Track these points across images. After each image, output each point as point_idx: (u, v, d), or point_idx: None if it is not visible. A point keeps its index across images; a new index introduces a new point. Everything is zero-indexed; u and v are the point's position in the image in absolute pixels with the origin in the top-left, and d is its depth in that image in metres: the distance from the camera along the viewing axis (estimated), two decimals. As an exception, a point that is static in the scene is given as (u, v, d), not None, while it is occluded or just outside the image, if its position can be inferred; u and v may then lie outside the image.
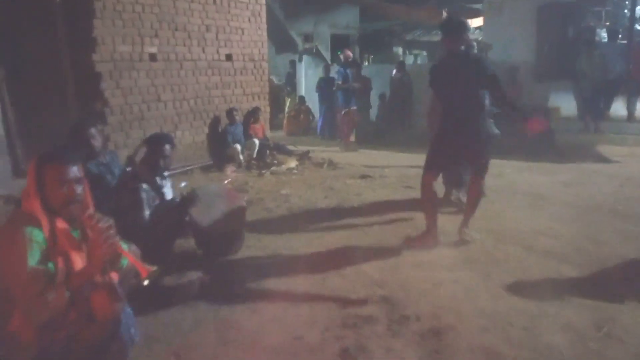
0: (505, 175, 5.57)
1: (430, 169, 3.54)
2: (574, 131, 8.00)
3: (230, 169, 6.33)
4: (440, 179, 3.91)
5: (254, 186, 5.53)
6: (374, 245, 3.61)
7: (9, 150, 4.84)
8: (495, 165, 3.49)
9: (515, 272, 3.04)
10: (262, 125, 7.41)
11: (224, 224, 3.30)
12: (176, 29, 6.21)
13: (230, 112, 6.66)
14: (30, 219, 1.79)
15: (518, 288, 2.81)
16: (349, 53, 8.45)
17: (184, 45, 6.34)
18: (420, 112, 8.14)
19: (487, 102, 4.45)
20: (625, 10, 12.64)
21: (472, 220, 3.60)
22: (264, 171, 6.28)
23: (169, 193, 3.32)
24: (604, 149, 6.98)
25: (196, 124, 6.66)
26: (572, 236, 3.65)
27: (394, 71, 9.79)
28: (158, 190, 3.21)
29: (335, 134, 9.37)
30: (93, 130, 3.36)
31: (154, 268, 1.87)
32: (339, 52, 12.88)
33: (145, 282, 1.86)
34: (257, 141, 6.88)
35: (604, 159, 6.51)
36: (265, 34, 7.71)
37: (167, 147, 3.19)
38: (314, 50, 12.78)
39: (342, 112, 8.14)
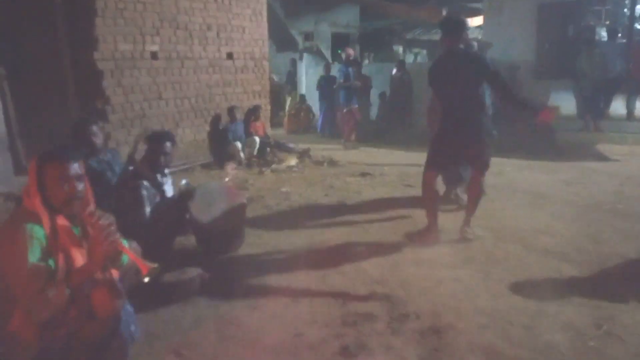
0: (505, 173, 5.57)
1: (431, 167, 3.54)
2: (573, 130, 7.99)
3: (230, 167, 6.33)
4: (440, 177, 3.91)
5: (255, 184, 5.54)
6: (374, 243, 3.61)
7: (10, 147, 4.84)
8: (495, 164, 3.50)
9: (515, 271, 3.04)
10: (263, 123, 7.41)
11: (224, 222, 3.31)
12: (177, 28, 6.22)
13: (231, 110, 6.67)
14: (31, 216, 1.79)
15: (518, 287, 2.82)
16: (351, 51, 8.42)
17: (185, 43, 6.35)
18: (420, 111, 8.14)
19: (487, 101, 4.46)
20: (625, 9, 12.62)
21: (472, 219, 3.61)
22: (264, 169, 6.28)
23: (169, 190, 3.33)
24: (604, 148, 6.99)
25: (197, 122, 6.67)
26: (572, 235, 3.65)
27: (394, 70, 9.78)
28: (159, 187, 3.21)
29: (335, 132, 9.37)
30: (94, 128, 3.37)
31: (155, 265, 1.87)
32: (339, 51, 12.87)
33: (146, 279, 1.87)
34: (257, 139, 6.88)
35: (603, 158, 6.52)
36: (266, 32, 7.71)
37: (168, 144, 3.20)
38: (315, 49, 12.77)
39: (344, 111, 8.12)
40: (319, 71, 10.52)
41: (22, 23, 5.42)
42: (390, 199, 4.78)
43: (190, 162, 6.36)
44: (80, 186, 1.87)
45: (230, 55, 7.06)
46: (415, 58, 17.41)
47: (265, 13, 7.64)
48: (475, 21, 12.83)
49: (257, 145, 6.84)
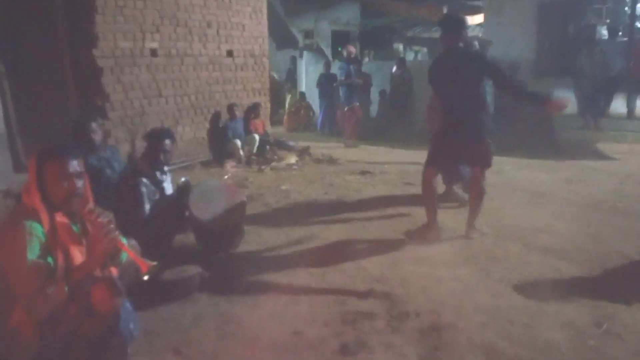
0: (504, 172, 5.57)
1: (430, 164, 3.54)
2: (573, 128, 7.99)
3: (230, 165, 6.33)
4: (440, 176, 3.90)
5: (254, 182, 5.53)
6: (374, 241, 3.61)
7: (10, 145, 4.83)
8: (495, 162, 3.49)
9: (515, 270, 3.04)
10: (263, 121, 7.40)
11: (224, 219, 3.30)
12: (177, 25, 6.20)
13: (230, 108, 6.66)
14: (30, 213, 1.79)
15: (518, 285, 2.81)
16: (352, 49, 8.36)
17: (185, 40, 6.33)
18: (420, 109, 8.14)
19: (488, 99, 4.44)
20: (626, 8, 12.60)
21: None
22: (264, 167, 6.27)
23: (169, 188, 3.33)
24: (604, 147, 6.98)
25: (197, 120, 6.66)
26: (572, 234, 3.65)
27: (394, 68, 9.76)
28: (158, 185, 3.21)
29: (335, 130, 9.37)
30: (93, 125, 3.37)
31: (154, 263, 1.87)
32: (339, 48, 12.85)
33: (145, 277, 1.87)
34: (257, 137, 6.88)
35: (604, 157, 6.51)
36: (266, 30, 7.70)
37: (168, 141, 3.19)
38: (315, 47, 12.75)
39: (346, 109, 8.09)
40: (319, 69, 10.51)
41: (22, 20, 5.41)
42: (390, 197, 4.77)
43: (190, 160, 6.35)
44: (79, 183, 1.87)
45: (230, 53, 7.04)
46: (416, 56, 17.38)
47: (265, 10, 7.62)
48: (476, 19, 12.80)
49: (257, 143, 6.83)
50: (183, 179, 3.37)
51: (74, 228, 1.90)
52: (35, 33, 5.46)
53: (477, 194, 3.53)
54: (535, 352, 2.17)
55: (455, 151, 3.46)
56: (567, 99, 3.55)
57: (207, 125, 6.74)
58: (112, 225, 1.85)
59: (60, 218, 1.85)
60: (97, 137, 3.39)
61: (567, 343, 2.23)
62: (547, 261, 3.16)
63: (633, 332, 2.31)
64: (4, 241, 1.77)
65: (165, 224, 3.11)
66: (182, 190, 3.22)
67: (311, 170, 6.16)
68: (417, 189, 3.98)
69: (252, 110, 7.11)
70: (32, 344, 1.79)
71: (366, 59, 13.75)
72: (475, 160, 3.48)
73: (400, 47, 16.63)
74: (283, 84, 11.86)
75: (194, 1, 6.40)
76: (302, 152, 7.01)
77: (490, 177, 3.56)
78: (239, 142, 6.58)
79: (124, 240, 1.94)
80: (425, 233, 3.54)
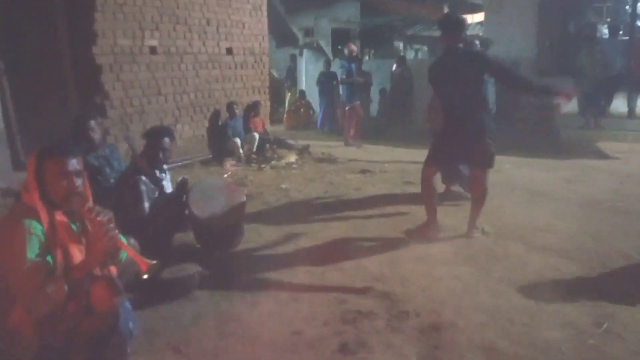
0: (504, 170, 5.56)
1: (430, 163, 3.54)
2: (574, 127, 7.99)
3: (230, 163, 6.33)
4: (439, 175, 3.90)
5: (254, 180, 5.52)
6: (374, 239, 3.61)
7: (9, 143, 4.82)
8: (495, 161, 3.49)
9: (515, 269, 3.03)
10: (262, 119, 7.39)
11: (223, 218, 3.29)
12: (177, 22, 6.19)
13: (230, 106, 6.64)
14: (30, 212, 1.78)
15: (518, 284, 2.81)
16: (354, 47, 8.32)
17: (185, 38, 6.32)
18: (420, 108, 8.12)
19: (490, 98, 4.43)
20: (627, 6, 12.59)
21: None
22: (263, 165, 6.27)
23: (168, 186, 3.32)
24: (604, 146, 6.97)
25: (196, 118, 6.65)
26: (572, 233, 3.64)
27: (394, 66, 9.74)
28: (157, 183, 3.20)
29: (335, 128, 9.36)
30: (92, 123, 3.36)
31: (154, 262, 1.86)
32: (339, 47, 12.82)
33: (145, 276, 1.86)
34: (257, 135, 6.87)
35: (604, 156, 6.51)
36: (266, 27, 7.68)
37: (167, 140, 3.19)
38: (315, 45, 12.72)
39: (347, 108, 8.06)
40: (319, 67, 10.49)
41: (22, 18, 5.39)
42: (390, 196, 4.77)
43: (190, 158, 6.34)
44: (79, 182, 1.86)
45: (229, 51, 7.03)
46: (416, 54, 17.36)
47: (265, 8, 7.60)
48: (476, 17, 12.78)
49: (257, 142, 6.82)
50: (182, 178, 3.37)
51: (73, 227, 1.90)
52: (35, 31, 5.45)
53: (479, 194, 3.52)
54: (535, 352, 2.17)
55: (455, 151, 3.45)
56: (577, 88, 3.55)
57: (206, 123, 6.73)
58: (111, 224, 1.85)
59: (59, 217, 1.85)
60: (96, 135, 3.38)
61: (567, 342, 2.23)
62: (547, 260, 3.15)
63: (633, 331, 2.31)
64: (4, 240, 1.76)
65: (165, 222, 3.11)
66: (181, 187, 3.22)
67: (311, 169, 6.16)
68: (417, 188, 3.97)
69: (252, 109, 7.10)
70: (32, 343, 1.78)
71: (366, 58, 13.74)
72: (477, 162, 3.47)
73: (401, 45, 16.61)
74: (283, 82, 11.85)
75: (193, -1, 6.40)
76: (302, 151, 7.00)
77: (490, 176, 3.56)
78: (238, 141, 6.56)
79: (123, 239, 1.93)
80: (424, 231, 3.54)
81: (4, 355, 1.83)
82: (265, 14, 7.62)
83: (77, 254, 1.85)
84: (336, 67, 9.86)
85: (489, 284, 2.83)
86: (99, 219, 1.83)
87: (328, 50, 12.97)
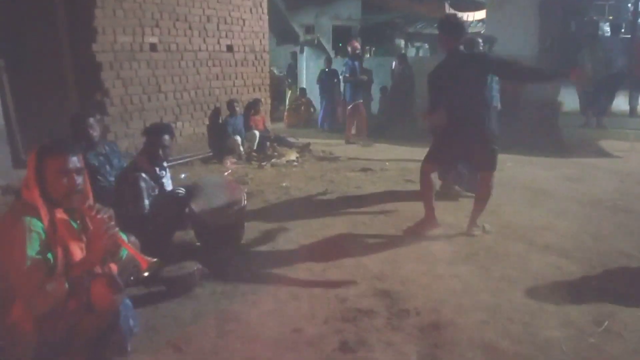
0: (506, 169, 5.55)
1: (430, 161, 3.53)
2: (575, 126, 7.97)
3: (230, 161, 6.32)
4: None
5: (254, 178, 5.52)
6: (374, 238, 3.61)
7: (9, 140, 4.82)
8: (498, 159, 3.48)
9: (516, 267, 3.03)
10: (263, 117, 7.38)
11: (223, 216, 3.29)
12: (177, 20, 6.17)
13: (230, 104, 6.63)
14: (30, 209, 1.78)
15: (518, 283, 2.81)
16: (357, 44, 8.23)
17: (185, 35, 6.30)
18: (421, 106, 8.09)
19: (495, 99, 4.42)
20: (629, 4, 12.55)
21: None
22: (264, 163, 6.26)
23: (168, 184, 3.32)
24: (606, 144, 6.97)
25: (197, 115, 6.64)
26: (572, 232, 3.64)
27: (394, 63, 9.71)
28: (157, 180, 3.20)
29: (335, 126, 9.34)
30: (91, 120, 3.35)
31: (154, 259, 1.86)
32: (340, 44, 12.79)
33: (146, 274, 1.86)
34: (257, 133, 6.86)
35: (605, 154, 6.50)
36: (266, 25, 7.66)
37: (167, 137, 3.18)
38: (315, 42, 12.69)
39: (349, 107, 8.03)
40: (320, 65, 10.46)
41: (22, 16, 5.38)
42: (390, 194, 4.77)
43: (190, 156, 6.34)
44: (79, 180, 1.86)
45: (230, 48, 7.01)
46: (417, 52, 17.31)
47: (265, 5, 7.58)
48: (478, 15, 12.74)
49: (257, 140, 6.82)
50: (183, 176, 3.36)
51: (74, 224, 1.90)
52: (35, 29, 5.44)
53: (484, 195, 3.52)
54: (535, 350, 2.16)
55: (456, 152, 3.45)
56: (587, 66, 3.61)
57: (206, 121, 6.72)
58: (112, 222, 1.85)
59: (59, 214, 1.85)
60: (95, 132, 3.38)
61: (568, 341, 2.23)
62: (547, 259, 3.15)
63: (633, 330, 2.31)
64: (4, 237, 1.76)
65: (165, 220, 3.10)
66: (190, 195, 3.21)
67: (311, 167, 6.15)
68: (417, 186, 3.96)
69: (252, 106, 7.08)
70: (32, 340, 1.78)
71: (367, 55, 13.70)
72: (480, 165, 3.47)
73: (402, 43, 16.56)
74: (283, 80, 11.82)
75: (193, -4, 6.37)
76: (303, 149, 6.99)
77: (494, 175, 3.55)
78: (239, 139, 6.55)
79: (124, 237, 1.94)
80: (423, 227, 3.55)
81: (4, 353, 1.83)
82: (265, 11, 7.60)
83: (78, 252, 1.85)
84: (337, 64, 9.82)
85: (490, 283, 2.83)
86: (99, 216, 1.83)
87: (329, 47, 12.94)
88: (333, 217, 4.09)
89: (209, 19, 6.62)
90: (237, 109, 6.66)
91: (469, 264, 3.09)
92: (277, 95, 10.30)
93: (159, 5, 5.90)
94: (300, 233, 3.70)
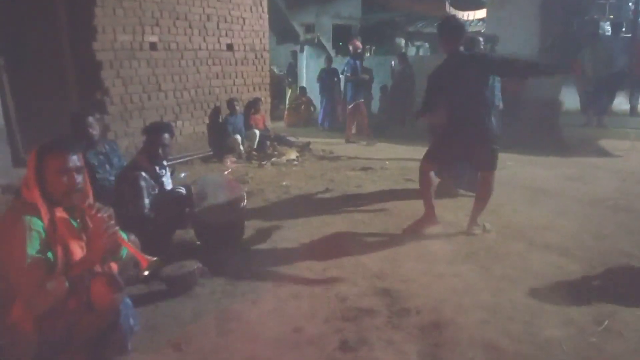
0: (507, 168, 5.54)
1: (429, 159, 3.54)
2: (576, 125, 7.96)
3: (230, 160, 6.32)
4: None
5: (254, 177, 5.52)
6: (375, 236, 3.61)
7: (9, 139, 4.81)
8: (498, 160, 3.48)
9: (516, 267, 3.03)
10: (263, 116, 7.37)
11: (223, 215, 3.29)
12: (177, 18, 6.16)
13: (230, 103, 6.63)
14: (30, 208, 1.78)
15: (518, 282, 2.81)
16: (359, 43, 8.19)
17: (185, 34, 6.29)
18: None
19: (497, 99, 4.42)
20: (630, 3, 12.53)
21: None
22: (264, 162, 6.26)
23: (168, 183, 3.32)
24: (607, 144, 6.96)
25: (197, 114, 6.62)
26: (573, 231, 3.64)
27: (393, 62, 9.69)
28: (157, 179, 3.20)
29: (335, 125, 9.34)
30: (91, 119, 3.35)
31: (154, 258, 1.86)
32: (340, 43, 12.77)
33: (146, 273, 1.86)
34: (257, 132, 6.86)
35: (606, 154, 6.49)
36: (266, 23, 7.64)
37: (166, 136, 3.18)
38: (316, 41, 12.68)
39: (351, 106, 8.02)
40: (320, 63, 10.45)
41: (22, 14, 5.37)
42: (391, 194, 4.77)
43: (190, 155, 6.34)
44: (79, 178, 1.86)
45: (230, 47, 7.00)
46: (418, 51, 17.29)
47: (265, 4, 7.56)
48: (478, 14, 12.72)
49: (257, 139, 6.81)
50: (183, 175, 3.36)
51: (74, 223, 1.90)
52: (36, 27, 5.43)
53: (484, 194, 3.52)
54: (536, 349, 2.16)
55: (456, 152, 3.45)
56: (579, 60, 3.68)
57: (206, 120, 6.71)
58: (112, 221, 1.84)
59: (59, 213, 1.85)
60: (95, 131, 3.37)
61: (568, 340, 2.22)
62: (548, 258, 3.15)
63: (634, 329, 2.31)
64: (4, 236, 1.76)
65: (165, 219, 3.10)
66: (192, 198, 3.21)
67: (312, 166, 6.15)
68: (417, 185, 3.96)
69: (253, 105, 7.08)
70: (32, 339, 1.78)
71: (367, 54, 13.68)
72: (481, 164, 3.47)
73: (402, 42, 16.53)
74: (283, 79, 11.81)
75: (193, -6, 6.36)
76: (303, 148, 6.99)
77: (494, 174, 3.55)
78: (239, 138, 6.55)
79: (124, 236, 1.93)
80: (423, 225, 3.55)
81: (4, 352, 1.82)
82: (266, 9, 7.58)
83: (78, 251, 1.85)
84: (338, 64, 9.81)
85: (490, 282, 2.83)
86: (99, 215, 1.82)
87: (329, 46, 12.93)
88: (333, 216, 4.09)
89: (209, 18, 6.60)
90: (237, 107, 6.66)
91: (469, 263, 3.09)
92: (277, 94, 10.29)
93: (159, 3, 5.89)
94: (300, 232, 3.69)
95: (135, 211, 2.96)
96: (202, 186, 3.33)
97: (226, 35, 6.91)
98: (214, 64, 6.77)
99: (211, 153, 6.56)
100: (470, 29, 11.73)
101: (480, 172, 3.57)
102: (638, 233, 3.57)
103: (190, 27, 6.34)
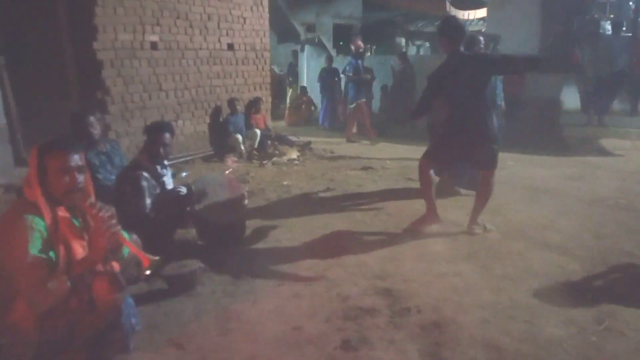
0: (507, 167, 5.55)
1: (428, 158, 3.55)
2: (577, 124, 7.96)
3: (231, 159, 6.32)
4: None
5: (255, 177, 5.52)
6: (375, 236, 3.61)
7: (11, 138, 4.81)
8: (498, 158, 3.48)
9: (517, 266, 3.03)
10: (264, 115, 7.37)
11: (224, 214, 3.30)
12: (178, 17, 6.15)
13: (231, 102, 6.63)
14: (32, 207, 1.78)
15: (519, 281, 2.81)
16: (361, 43, 8.16)
17: (186, 33, 6.29)
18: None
19: (499, 99, 4.41)
20: (630, 3, 12.52)
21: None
22: (265, 162, 6.26)
23: (169, 182, 3.32)
24: (607, 143, 6.95)
25: (198, 114, 6.63)
26: (574, 230, 3.64)
27: (392, 63, 9.68)
28: (158, 178, 3.20)
29: (336, 125, 9.33)
30: (91, 119, 3.35)
31: (156, 258, 1.86)
32: (341, 43, 12.76)
33: (147, 272, 1.86)
34: (258, 131, 6.86)
35: (607, 153, 6.49)
36: (267, 23, 7.64)
37: (167, 135, 3.18)
38: (316, 41, 12.68)
39: (353, 106, 8.01)
40: (321, 63, 10.44)
41: (22, 13, 5.38)
42: (391, 193, 4.77)
43: (191, 154, 6.34)
44: (81, 178, 1.86)
45: (231, 46, 7.00)
46: (418, 50, 17.28)
47: (266, 3, 7.56)
48: (479, 13, 12.71)
49: (258, 138, 6.82)
50: (184, 174, 3.36)
51: (76, 222, 1.90)
52: (36, 26, 5.43)
53: (484, 193, 3.53)
54: (536, 349, 2.17)
55: (455, 151, 3.46)
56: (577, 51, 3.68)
57: (207, 119, 6.71)
58: (113, 220, 1.85)
59: (61, 212, 1.85)
60: (96, 131, 3.38)
61: (569, 339, 2.23)
62: (549, 257, 3.15)
63: (634, 329, 2.31)
64: (6, 236, 1.76)
65: (167, 219, 3.10)
66: (193, 197, 3.21)
67: (312, 165, 6.15)
68: (418, 185, 3.97)
69: (253, 105, 7.08)
70: (34, 338, 1.79)
71: (368, 54, 13.67)
72: (481, 164, 3.47)
73: (403, 41, 16.52)
74: (284, 78, 11.81)
75: (194, -7, 6.36)
76: (304, 147, 6.99)
77: (494, 173, 3.56)
78: (240, 137, 6.56)
79: (125, 235, 1.93)
80: (425, 222, 3.56)
81: (6, 351, 1.83)
82: (266, 9, 7.58)
83: (80, 250, 1.85)
84: (338, 63, 9.80)
85: (491, 281, 2.83)
86: (101, 214, 1.83)
87: (329, 46, 12.92)
88: (334, 215, 4.10)
89: (209, 17, 6.60)
90: (238, 107, 6.66)
91: (470, 263, 3.09)
92: (278, 94, 10.28)
93: (159, 3, 5.89)
94: (301, 231, 3.70)
95: (136, 211, 2.97)
96: (203, 185, 3.34)
97: (227, 34, 6.91)
98: (214, 64, 6.77)
99: (212, 152, 6.56)
100: (470, 29, 11.73)
101: (480, 172, 3.58)
102: (638, 232, 3.57)
103: (191, 26, 6.34)
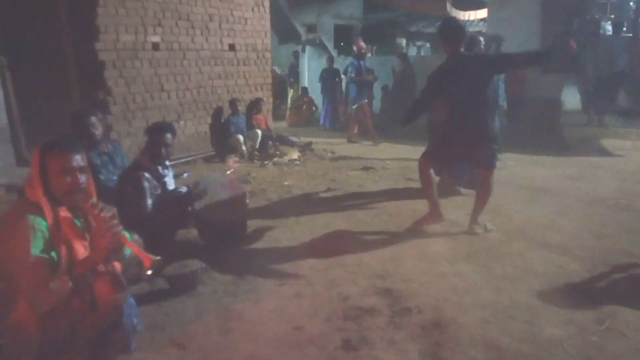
0: (508, 167, 5.55)
1: (427, 158, 3.56)
2: (577, 125, 7.96)
3: (232, 160, 6.33)
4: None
5: (257, 177, 5.53)
6: (376, 236, 3.62)
7: (12, 138, 4.83)
8: (498, 158, 3.49)
9: (517, 266, 3.04)
10: (265, 116, 7.39)
11: (226, 214, 3.30)
12: (179, 18, 6.17)
13: (233, 103, 6.64)
14: (33, 207, 1.79)
15: (519, 281, 2.81)
16: (362, 44, 8.16)
17: (187, 34, 6.30)
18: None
19: (500, 99, 4.41)
20: (631, 3, 12.50)
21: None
22: (266, 162, 6.27)
23: (170, 183, 3.33)
24: (608, 143, 6.95)
25: (199, 114, 6.64)
26: (574, 230, 3.64)
27: (392, 64, 9.69)
28: (160, 179, 3.21)
29: (337, 125, 9.34)
30: (93, 119, 3.36)
31: (157, 258, 1.87)
32: (342, 43, 12.77)
33: (149, 272, 1.87)
34: (259, 132, 6.87)
35: (607, 153, 6.49)
36: (268, 24, 7.65)
37: (169, 135, 3.19)
38: (317, 41, 12.69)
39: (354, 107, 8.01)
40: (322, 64, 10.45)
41: (24, 13, 5.40)
42: (392, 193, 4.78)
43: (192, 155, 6.35)
44: (82, 178, 1.87)
45: (232, 47, 7.01)
46: (419, 51, 17.28)
47: (267, 4, 7.57)
48: (479, 14, 12.71)
49: (259, 138, 6.83)
50: (186, 174, 3.37)
51: (77, 222, 1.91)
52: (38, 26, 5.45)
53: (484, 193, 3.53)
54: (537, 349, 2.17)
55: (455, 151, 3.46)
56: (572, 39, 3.79)
57: (209, 120, 6.73)
58: (115, 220, 1.85)
59: (63, 212, 1.86)
60: (98, 131, 3.38)
61: (569, 339, 2.23)
62: (549, 257, 3.15)
63: (635, 329, 2.31)
64: (8, 236, 1.77)
65: (168, 219, 3.11)
66: (194, 196, 3.22)
67: (313, 165, 6.16)
68: (418, 185, 3.97)
69: (254, 105, 7.09)
70: (35, 338, 1.79)
71: (369, 54, 13.67)
72: (481, 164, 3.48)
73: (403, 42, 16.52)
74: (285, 79, 11.82)
75: (195, -6, 6.37)
76: (305, 148, 7.00)
77: (494, 173, 3.56)
78: (241, 137, 6.57)
79: (127, 235, 1.94)
80: (428, 220, 3.58)
81: (7, 351, 1.84)
82: (267, 10, 7.59)
83: (81, 250, 1.86)
84: (339, 64, 9.80)
85: (491, 281, 2.83)
86: (102, 215, 1.83)
87: (330, 46, 12.93)
88: (335, 215, 4.10)
89: (211, 18, 6.62)
90: (240, 107, 6.68)
91: (470, 262, 3.10)
92: (279, 94, 10.29)
93: (161, 4, 5.91)
94: (302, 231, 3.70)
95: (137, 211, 2.97)
96: (204, 186, 3.34)
97: (228, 35, 6.93)
98: (216, 64, 6.79)
99: (213, 153, 6.58)
100: (471, 29, 11.72)
101: (480, 172, 3.58)
102: (639, 232, 3.57)
103: (192, 27, 6.36)
